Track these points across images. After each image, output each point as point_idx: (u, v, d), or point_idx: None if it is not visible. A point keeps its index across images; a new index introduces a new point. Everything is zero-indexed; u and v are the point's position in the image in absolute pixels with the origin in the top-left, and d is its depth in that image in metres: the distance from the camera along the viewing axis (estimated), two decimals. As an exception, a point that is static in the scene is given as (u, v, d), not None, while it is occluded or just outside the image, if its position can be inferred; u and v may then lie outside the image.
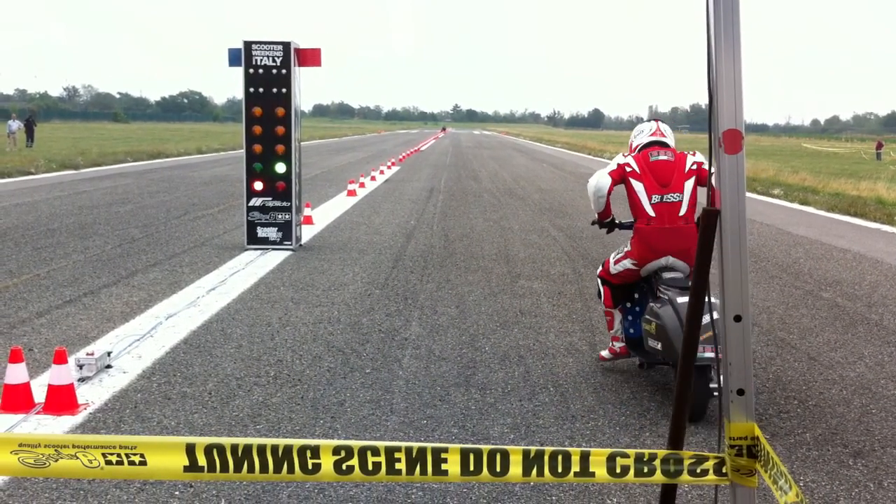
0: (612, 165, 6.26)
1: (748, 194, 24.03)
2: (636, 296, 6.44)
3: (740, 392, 2.48)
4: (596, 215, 6.53)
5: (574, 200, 21.65)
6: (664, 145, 6.27)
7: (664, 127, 6.46)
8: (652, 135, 6.36)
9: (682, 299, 5.48)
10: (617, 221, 6.55)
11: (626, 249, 6.29)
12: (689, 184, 6.05)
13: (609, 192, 6.24)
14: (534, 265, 11.61)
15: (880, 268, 12.03)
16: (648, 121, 6.61)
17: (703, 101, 2.49)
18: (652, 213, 6.01)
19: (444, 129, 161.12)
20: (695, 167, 6.08)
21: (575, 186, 26.85)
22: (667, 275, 5.94)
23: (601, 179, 6.20)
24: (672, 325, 5.42)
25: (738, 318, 2.44)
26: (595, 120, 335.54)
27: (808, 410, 5.91)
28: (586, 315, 8.63)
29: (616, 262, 6.35)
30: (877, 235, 16.00)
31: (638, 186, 6.08)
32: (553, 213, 18.38)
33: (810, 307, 9.28)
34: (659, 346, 5.59)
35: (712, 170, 2.47)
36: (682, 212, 5.99)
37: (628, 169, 6.14)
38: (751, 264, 11.86)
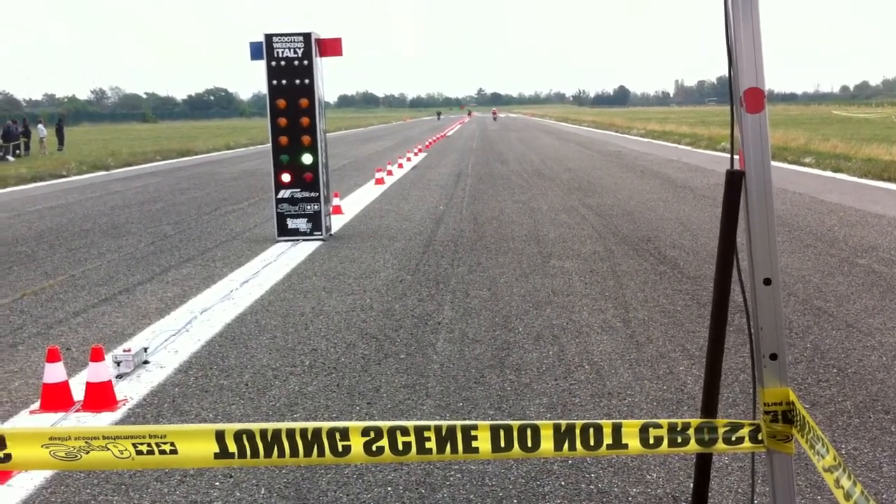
0: (490, 113, 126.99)
1: (779, 164, 23.68)
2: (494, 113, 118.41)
3: (773, 357, 2.43)
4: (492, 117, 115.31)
5: (602, 179, 21.50)
6: (496, 110, 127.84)
7: (496, 109, 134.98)
8: (493, 111, 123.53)
9: (499, 115, 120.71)
10: (494, 117, 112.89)
11: (494, 112, 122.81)
12: (497, 112, 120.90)
13: (493, 115, 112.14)
14: (564, 244, 11.56)
15: (918, 231, 11.82)
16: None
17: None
18: (493, 115, 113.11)
19: (469, 113, 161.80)
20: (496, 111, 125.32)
21: (603, 164, 26.65)
22: (496, 116, 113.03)
23: (490, 115, 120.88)
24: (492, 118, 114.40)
25: (767, 282, 2.38)
26: (621, 97, 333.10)
27: (847, 378, 5.83)
28: (619, 292, 8.57)
29: (493, 114, 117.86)
30: (913, 199, 15.71)
31: (492, 113, 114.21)
32: (582, 192, 18.26)
33: (846, 274, 9.15)
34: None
35: (735, 131, 2.42)
36: (497, 114, 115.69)
37: (493, 111, 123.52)
38: (784, 233, 11.77)
